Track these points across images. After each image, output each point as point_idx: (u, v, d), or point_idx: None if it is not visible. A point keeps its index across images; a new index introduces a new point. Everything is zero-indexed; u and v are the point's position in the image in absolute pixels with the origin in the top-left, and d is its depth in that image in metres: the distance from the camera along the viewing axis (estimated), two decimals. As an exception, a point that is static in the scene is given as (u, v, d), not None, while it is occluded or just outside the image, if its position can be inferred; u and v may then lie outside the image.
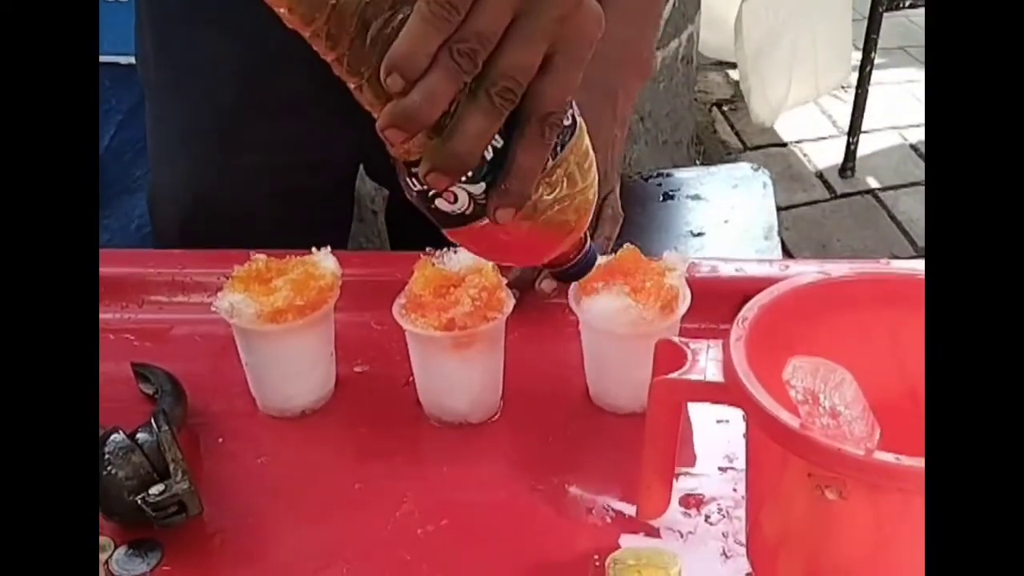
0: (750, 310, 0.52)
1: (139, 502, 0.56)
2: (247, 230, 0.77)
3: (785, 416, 0.46)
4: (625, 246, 0.67)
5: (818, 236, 1.98)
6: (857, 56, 2.37)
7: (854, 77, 2.29)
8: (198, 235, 0.84)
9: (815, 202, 2.09)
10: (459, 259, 0.65)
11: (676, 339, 0.53)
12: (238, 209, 0.84)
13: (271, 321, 0.62)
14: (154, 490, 0.56)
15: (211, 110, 0.82)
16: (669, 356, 0.52)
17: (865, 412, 0.43)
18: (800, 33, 2.04)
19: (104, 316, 0.74)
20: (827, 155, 2.20)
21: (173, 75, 0.83)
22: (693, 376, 0.51)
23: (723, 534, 0.58)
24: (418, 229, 0.68)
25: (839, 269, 0.75)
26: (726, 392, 0.50)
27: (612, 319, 0.62)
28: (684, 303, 0.63)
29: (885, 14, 1.97)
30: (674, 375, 0.51)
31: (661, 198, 1.23)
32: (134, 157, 1.23)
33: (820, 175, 2.17)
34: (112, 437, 0.58)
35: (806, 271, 0.73)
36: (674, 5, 1.20)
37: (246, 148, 0.82)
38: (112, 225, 1.26)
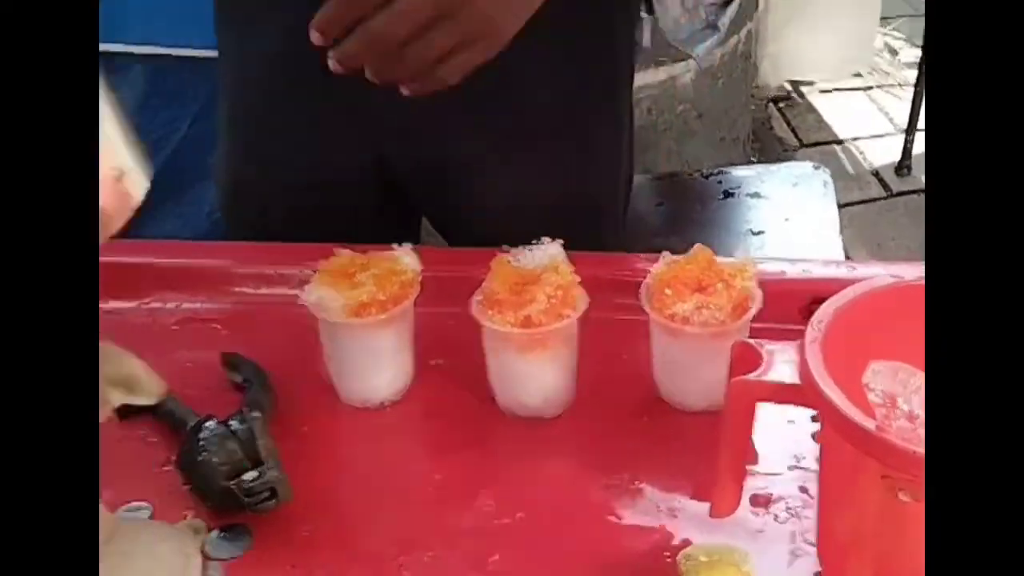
0: (825, 313, 0.53)
1: (233, 487, 0.58)
2: (287, 216, 0.79)
3: (861, 418, 0.47)
4: (696, 246, 0.68)
5: (873, 235, 1.97)
6: (914, 53, 2.34)
7: (909, 74, 2.27)
8: (240, 219, 0.86)
9: (871, 200, 2.07)
10: (535, 257, 0.67)
11: (752, 341, 0.54)
12: (275, 194, 0.84)
13: (355, 315, 0.65)
14: (248, 476, 0.58)
15: (250, 96, 0.83)
16: (745, 357, 0.54)
17: (943, 417, 0.44)
18: (826, 12, 2.03)
19: (192, 306, 0.77)
20: (883, 153, 2.18)
21: (225, 65, 0.85)
22: (769, 377, 0.52)
23: (792, 533, 0.60)
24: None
25: (910, 272, 0.76)
26: (802, 394, 0.51)
27: (684, 319, 0.64)
28: (756, 305, 0.65)
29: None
30: (750, 376, 0.53)
31: (721, 196, 1.23)
32: (209, 146, 1.27)
33: (876, 173, 2.15)
34: (206, 424, 0.61)
35: (874, 273, 0.75)
36: (739, 4, 1.21)
37: (282, 132, 0.82)
38: (187, 211, 1.30)
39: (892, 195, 2.09)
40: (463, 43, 0.59)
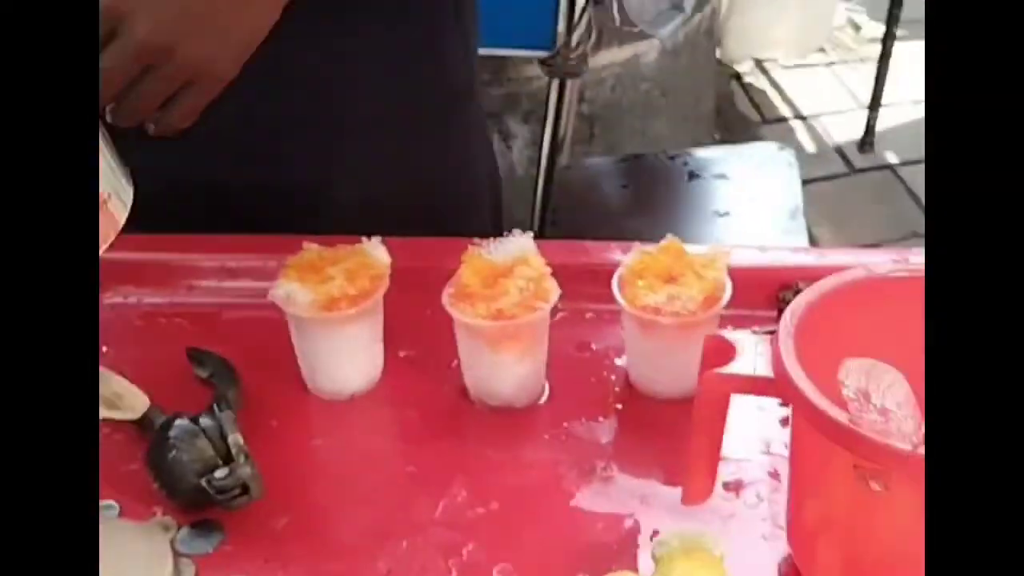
0: (798, 306, 0.54)
1: (204, 484, 0.58)
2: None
3: (834, 410, 0.48)
4: (667, 237, 0.68)
5: (836, 212, 1.99)
6: (877, 28, 2.36)
7: (872, 49, 2.29)
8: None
9: (833, 177, 2.09)
10: (506, 249, 0.66)
11: (724, 334, 0.55)
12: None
13: (325, 309, 0.64)
14: (219, 474, 0.58)
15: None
16: (717, 350, 0.54)
17: (914, 411, 0.45)
18: None
19: (155, 300, 0.76)
20: (846, 129, 2.20)
21: None
22: (741, 370, 0.53)
23: (762, 518, 0.61)
24: None
25: (877, 258, 0.77)
26: (774, 386, 0.52)
27: (656, 310, 0.64)
28: (726, 295, 0.65)
29: (908, -15, 1.96)
30: (723, 369, 0.53)
31: (687, 177, 1.24)
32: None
33: (839, 149, 2.17)
34: (176, 422, 0.60)
35: (842, 260, 0.76)
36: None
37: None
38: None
39: (855, 171, 2.11)
40: (182, 87, 0.60)
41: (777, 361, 0.51)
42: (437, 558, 0.59)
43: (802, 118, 2.24)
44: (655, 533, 0.59)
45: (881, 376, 0.44)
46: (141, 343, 0.73)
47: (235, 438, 0.59)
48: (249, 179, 0.76)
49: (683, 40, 1.74)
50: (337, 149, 0.78)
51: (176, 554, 0.58)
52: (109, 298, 0.75)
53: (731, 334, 0.55)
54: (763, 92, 2.28)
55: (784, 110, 2.27)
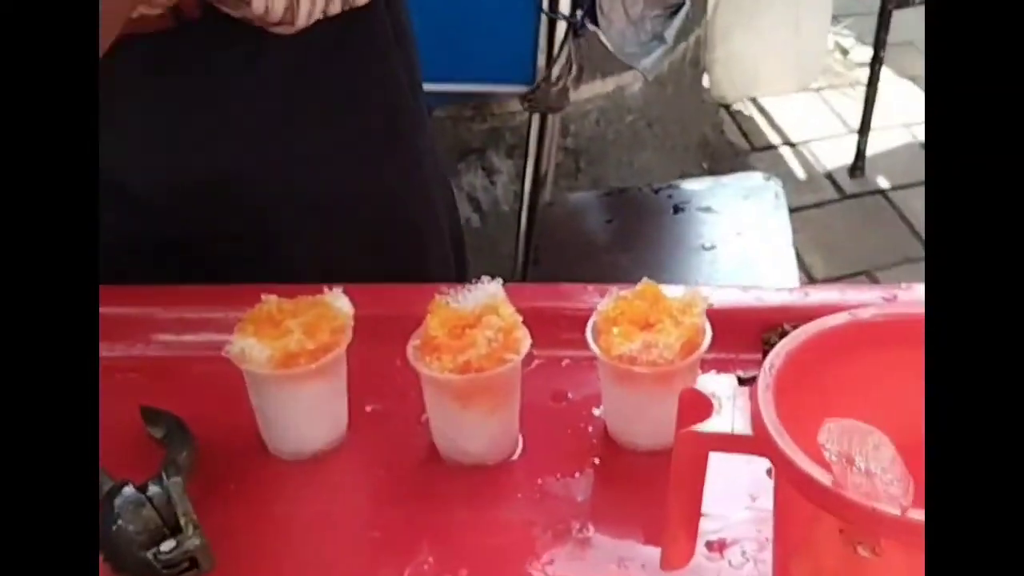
0: (777, 357, 0.50)
1: (150, 558, 0.54)
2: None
3: (817, 473, 0.44)
4: (643, 281, 0.65)
5: (827, 238, 1.96)
6: (865, 52, 2.34)
7: (861, 73, 2.27)
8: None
9: (824, 203, 2.07)
10: (473, 297, 0.63)
11: (703, 383, 0.51)
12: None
13: (283, 366, 0.61)
14: (165, 546, 0.55)
15: None
16: (694, 405, 0.51)
17: (901, 473, 0.42)
18: (777, 22, 2.01)
19: (110, 354, 0.72)
20: (836, 154, 2.18)
21: None
22: (719, 427, 0.49)
23: (748, 580, 0.57)
24: None
25: (864, 296, 0.74)
26: (755, 445, 0.48)
27: (631, 358, 0.61)
28: (705, 341, 0.62)
29: (895, 10, 1.94)
30: (700, 427, 0.50)
31: (672, 211, 1.21)
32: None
33: (829, 175, 2.14)
34: (122, 490, 0.57)
35: (828, 298, 0.73)
36: (686, 15, 1.18)
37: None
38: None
39: (845, 197, 2.08)
40: None
41: (756, 418, 0.47)
42: (403, 630, 0.55)
43: (791, 145, 2.22)
44: (635, 598, 0.55)
45: (865, 438, 0.41)
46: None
47: (184, 507, 0.55)
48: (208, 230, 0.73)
49: (668, 70, 1.72)
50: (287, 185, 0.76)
51: (122, 634, 0.55)
52: (61, 354, 0.71)
53: (712, 379, 0.52)
54: (751, 119, 2.26)
55: (773, 137, 2.25)
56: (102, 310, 0.72)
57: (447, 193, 0.90)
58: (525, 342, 0.62)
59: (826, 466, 0.45)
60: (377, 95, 0.78)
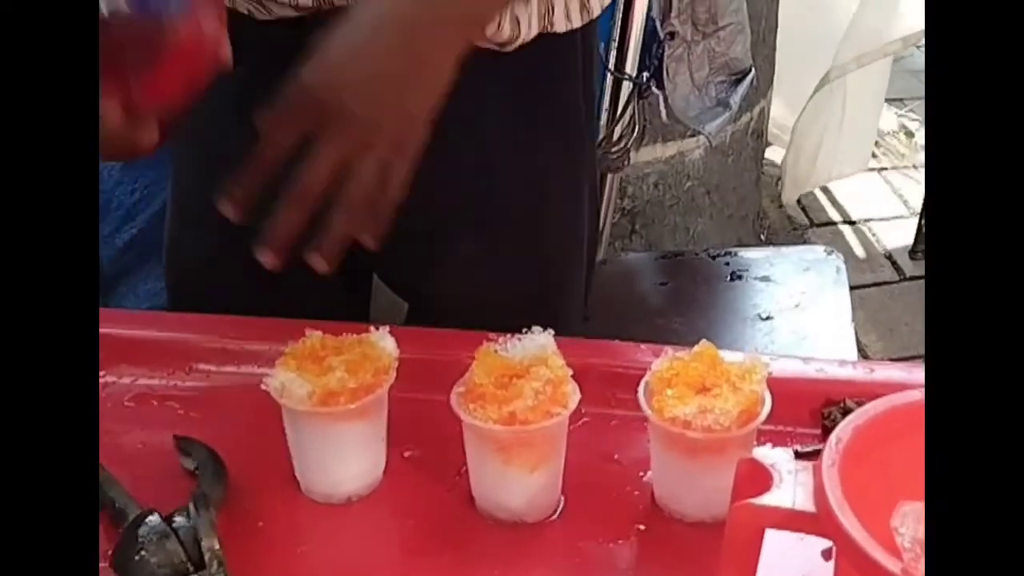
0: (844, 432, 0.47)
1: (171, 593, 0.52)
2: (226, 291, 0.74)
3: (885, 559, 0.41)
4: (701, 343, 0.62)
5: (885, 319, 1.91)
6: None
7: (923, 155, 2.23)
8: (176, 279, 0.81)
9: (883, 283, 2.02)
10: (523, 347, 0.61)
11: (760, 458, 0.48)
12: (218, 271, 0.79)
13: (322, 404, 0.59)
14: (187, 582, 0.52)
15: (187, 163, 0.80)
16: (752, 477, 0.48)
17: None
18: (832, 113, 1.98)
19: (150, 382, 0.71)
20: (897, 235, 2.13)
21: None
22: (779, 503, 0.46)
23: (802, 672, 0.53)
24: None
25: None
26: (817, 523, 0.45)
27: (686, 423, 0.58)
28: (764, 411, 0.59)
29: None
30: (757, 500, 0.46)
31: (728, 278, 1.18)
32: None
33: (889, 256, 2.10)
34: (147, 520, 0.55)
35: (893, 376, 0.70)
36: (751, 82, 1.17)
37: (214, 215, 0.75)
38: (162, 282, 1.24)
39: (905, 279, 2.03)
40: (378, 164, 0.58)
41: (820, 495, 0.44)
42: None
43: (851, 223, 2.19)
44: None
45: (944, 524, 0.37)
46: (129, 425, 0.68)
47: (209, 543, 0.53)
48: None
49: (729, 140, 1.70)
50: (457, 195, 0.76)
51: (135, 671, 0.52)
52: (102, 376, 0.71)
53: (769, 453, 0.49)
54: (812, 195, 2.22)
55: (833, 214, 2.21)
56: (142, 335, 0.73)
57: (592, 232, 0.89)
58: (574, 397, 0.59)
59: (895, 552, 0.42)
60: (559, 122, 0.78)
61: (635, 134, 1.17)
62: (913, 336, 1.86)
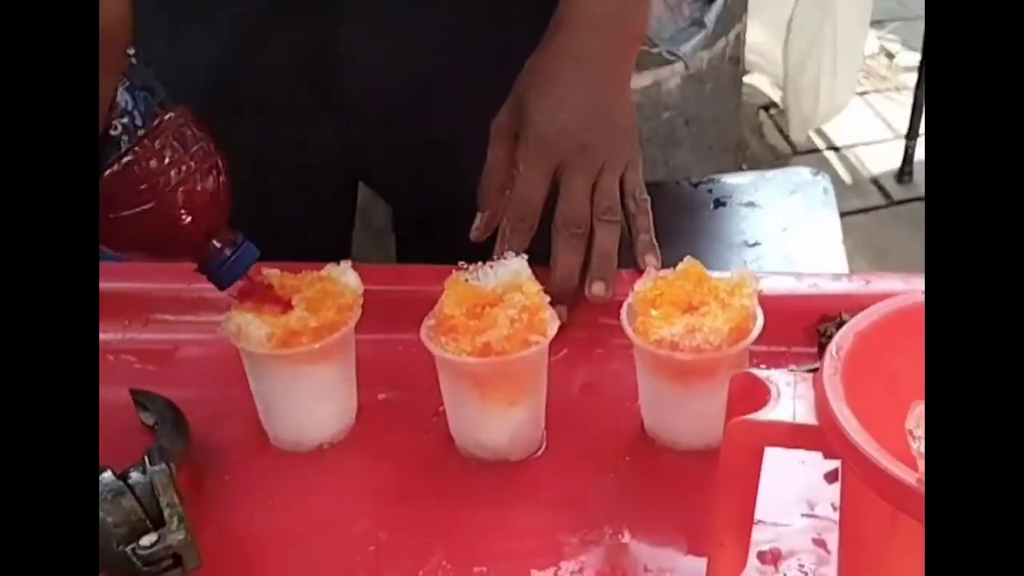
0: (845, 339, 0.44)
1: (128, 553, 0.48)
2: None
3: (898, 470, 0.37)
4: (686, 259, 0.58)
5: (874, 245, 1.88)
6: (910, 56, 2.26)
7: (907, 78, 2.18)
8: None
9: (871, 209, 1.99)
10: (495, 274, 0.57)
11: (756, 372, 0.45)
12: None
13: (283, 345, 0.55)
14: (145, 540, 0.48)
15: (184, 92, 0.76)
16: (748, 392, 0.44)
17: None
18: (823, 43, 1.93)
19: (104, 336, 0.67)
20: (883, 160, 2.10)
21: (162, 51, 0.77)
22: (778, 417, 0.42)
23: (806, 597, 0.50)
24: (429, 247, 0.64)
25: (932, 285, 0.66)
26: (820, 438, 0.41)
27: (673, 344, 0.54)
28: (757, 327, 0.55)
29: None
30: (755, 416, 0.43)
31: (712, 205, 1.14)
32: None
33: (876, 181, 2.06)
34: (100, 477, 0.51)
35: (892, 287, 0.66)
36: (724, 3, 1.12)
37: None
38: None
39: (893, 203, 2.00)
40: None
41: (823, 406, 0.40)
42: (411, 643, 0.49)
43: (836, 149, 2.14)
44: (675, 614, 0.49)
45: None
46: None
47: (168, 498, 0.49)
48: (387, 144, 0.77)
49: (707, 67, 1.65)
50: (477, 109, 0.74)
51: (97, 638, 0.49)
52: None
53: (764, 373, 0.45)
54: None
55: (817, 141, 2.17)
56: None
57: None
58: (553, 324, 0.55)
59: (909, 462, 0.38)
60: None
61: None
62: (904, 260, 1.83)
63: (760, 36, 2.01)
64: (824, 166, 2.07)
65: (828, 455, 0.42)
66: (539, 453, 0.58)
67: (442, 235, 0.70)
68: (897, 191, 2.03)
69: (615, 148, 0.67)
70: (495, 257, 0.63)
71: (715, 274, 0.58)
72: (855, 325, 0.44)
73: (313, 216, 0.81)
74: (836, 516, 0.53)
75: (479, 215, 0.68)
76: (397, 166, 0.79)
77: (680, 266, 0.58)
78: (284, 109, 0.75)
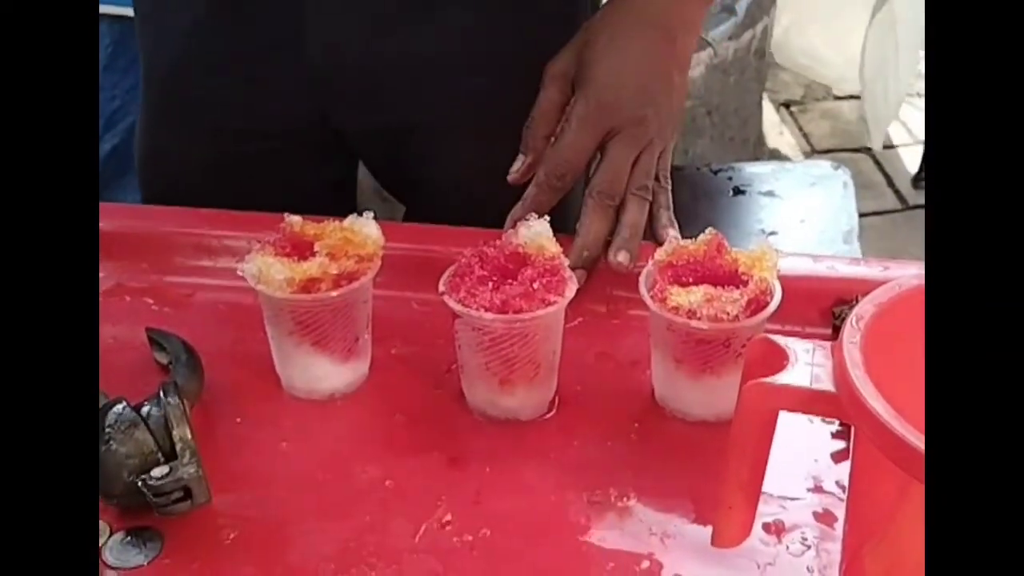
0: (865, 310, 0.44)
1: (139, 484, 0.49)
2: (206, 192, 0.70)
3: (914, 437, 0.38)
4: (707, 230, 0.58)
5: (888, 248, 1.87)
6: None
7: (919, 85, 2.18)
8: (155, 190, 0.78)
9: (886, 212, 1.98)
10: (518, 235, 0.57)
11: (775, 337, 0.45)
12: (194, 171, 0.76)
13: (303, 291, 0.55)
14: (157, 472, 0.49)
15: (161, 61, 0.75)
16: (766, 356, 0.44)
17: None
18: (887, 46, 1.92)
19: (122, 277, 0.67)
20: (900, 164, 2.09)
21: (139, 20, 0.77)
22: (795, 381, 0.43)
23: (809, 568, 0.50)
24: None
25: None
26: (836, 404, 0.41)
27: (690, 312, 0.54)
28: (775, 300, 0.55)
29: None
30: (771, 379, 0.43)
31: (731, 193, 1.14)
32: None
33: (891, 184, 2.06)
34: (114, 408, 0.51)
35: (908, 273, 0.66)
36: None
37: (193, 105, 0.75)
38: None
39: (908, 207, 1.99)
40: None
41: (841, 372, 0.41)
42: (413, 592, 0.49)
43: (854, 150, 2.14)
44: (676, 579, 0.49)
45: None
46: (100, 320, 0.63)
47: (181, 432, 0.50)
48: (362, 121, 0.74)
49: (732, 58, 1.64)
50: (455, 92, 0.74)
51: (103, 565, 0.49)
52: (70, 271, 0.67)
53: (783, 339, 0.45)
54: (814, 122, 2.18)
55: (835, 141, 2.16)
56: (115, 228, 0.69)
57: None
58: (571, 286, 0.55)
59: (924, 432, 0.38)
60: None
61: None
62: (917, 264, 1.83)
63: (786, 32, 2.00)
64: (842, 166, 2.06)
65: (843, 421, 0.43)
66: (550, 415, 0.59)
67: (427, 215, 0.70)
68: (913, 196, 2.02)
69: (663, 127, 0.66)
70: (521, 205, 0.64)
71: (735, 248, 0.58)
72: (877, 297, 0.45)
73: (303, 180, 0.77)
74: (841, 494, 0.53)
75: (520, 157, 0.66)
76: (373, 144, 0.77)
77: (701, 236, 0.58)
78: (262, 78, 0.72)
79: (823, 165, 1.19)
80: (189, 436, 0.50)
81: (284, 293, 0.55)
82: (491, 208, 0.66)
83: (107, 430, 0.50)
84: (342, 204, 0.77)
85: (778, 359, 0.44)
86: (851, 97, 2.23)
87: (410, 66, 0.70)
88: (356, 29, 0.69)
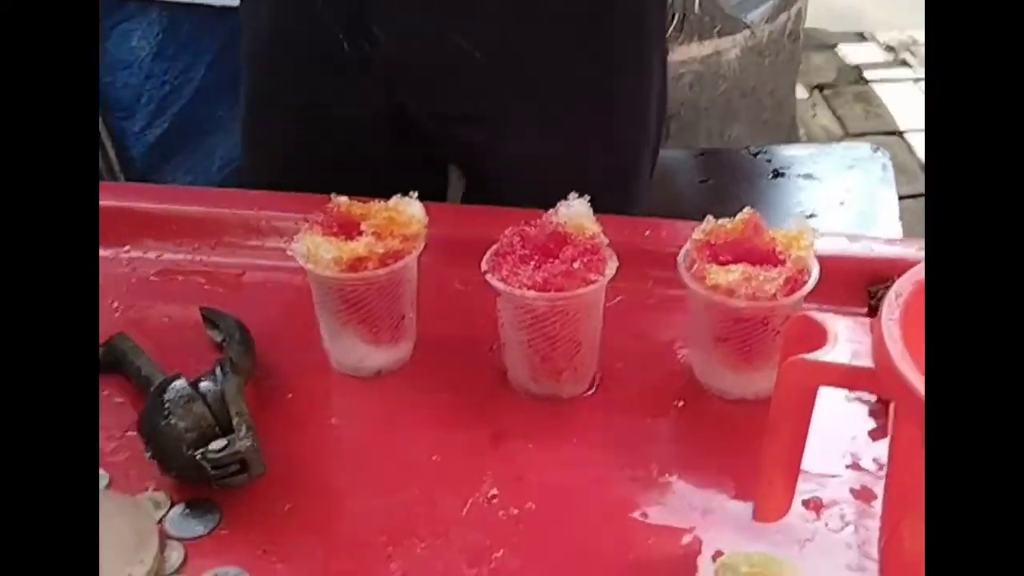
0: (904, 287, 0.44)
1: (198, 457, 0.51)
2: (301, 164, 0.74)
3: (952, 411, 0.38)
4: (746, 210, 0.59)
5: (923, 231, 1.86)
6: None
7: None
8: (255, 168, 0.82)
9: (922, 195, 1.96)
10: (560, 215, 0.58)
11: (814, 314, 0.46)
12: (288, 154, 0.80)
13: (350, 269, 0.56)
14: (215, 445, 0.51)
15: (254, 47, 0.79)
16: (805, 333, 0.45)
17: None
18: None
19: (175, 257, 0.70)
20: (938, 146, 2.07)
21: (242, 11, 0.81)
22: (834, 358, 0.43)
23: (848, 544, 0.51)
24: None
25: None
26: (875, 380, 0.42)
27: (729, 291, 0.55)
28: (812, 279, 0.56)
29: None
30: (811, 356, 0.44)
31: (771, 175, 1.14)
32: (219, 96, 1.20)
33: (923, 167, 2.04)
34: (173, 384, 0.53)
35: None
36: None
37: (277, 90, 0.79)
38: (198, 164, 1.23)
39: (945, 191, 1.97)
40: None
41: (880, 348, 0.41)
42: (460, 563, 0.51)
43: (889, 133, 2.12)
44: (718, 554, 0.50)
45: None
46: (153, 300, 0.66)
47: (238, 407, 0.52)
48: (432, 109, 0.76)
49: (767, 40, 1.64)
50: (523, 81, 0.75)
51: (164, 535, 0.51)
52: (126, 251, 0.69)
53: (821, 316, 0.46)
54: (848, 105, 2.16)
55: (869, 124, 2.14)
56: (166, 209, 0.71)
57: (660, 113, 0.87)
58: (612, 264, 0.57)
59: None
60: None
61: (675, 21, 1.12)
62: (952, 247, 1.81)
63: (819, 17, 1.98)
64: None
65: (882, 397, 0.43)
66: (591, 392, 0.60)
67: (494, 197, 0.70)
68: (952, 178, 2.00)
69: None
70: None
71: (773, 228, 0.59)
72: (916, 274, 0.45)
73: (369, 164, 0.80)
74: (878, 471, 0.54)
75: None
76: (437, 131, 0.79)
77: (740, 215, 0.59)
78: (334, 62, 0.74)
79: (862, 148, 1.18)
80: (245, 410, 0.52)
81: (332, 272, 0.57)
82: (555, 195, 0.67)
83: (166, 405, 0.52)
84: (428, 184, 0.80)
85: (817, 337, 0.45)
86: (884, 80, 2.21)
87: (476, 55, 0.72)
88: (421, 18, 0.71)
